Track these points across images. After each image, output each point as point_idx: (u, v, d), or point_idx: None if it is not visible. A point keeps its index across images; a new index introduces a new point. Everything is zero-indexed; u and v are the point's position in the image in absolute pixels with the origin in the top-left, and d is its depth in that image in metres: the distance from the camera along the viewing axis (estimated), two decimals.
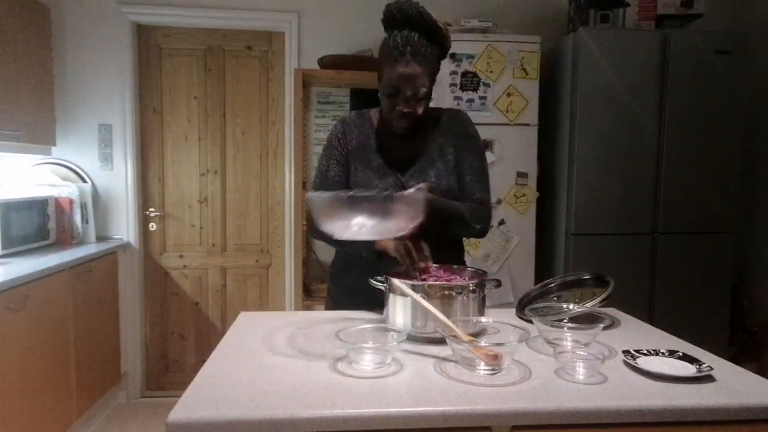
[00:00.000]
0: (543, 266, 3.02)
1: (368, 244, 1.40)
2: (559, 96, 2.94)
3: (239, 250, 3.39)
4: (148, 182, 3.29)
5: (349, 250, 1.55)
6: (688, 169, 2.82)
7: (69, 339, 2.53)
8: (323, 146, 1.63)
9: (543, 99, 2.88)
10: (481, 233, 1.53)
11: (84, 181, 3.11)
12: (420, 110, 1.45)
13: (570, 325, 1.19)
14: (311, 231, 1.55)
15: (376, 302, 1.39)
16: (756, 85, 3.17)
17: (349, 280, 1.59)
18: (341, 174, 1.55)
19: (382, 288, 1.31)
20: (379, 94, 1.48)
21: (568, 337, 1.16)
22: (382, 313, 1.34)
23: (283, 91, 3.30)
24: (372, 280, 1.33)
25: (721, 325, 2.91)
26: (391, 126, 1.49)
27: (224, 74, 3.29)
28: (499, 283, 1.34)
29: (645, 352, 1.14)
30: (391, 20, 1.45)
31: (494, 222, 2.84)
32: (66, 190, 2.94)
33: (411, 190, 1.25)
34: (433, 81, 1.45)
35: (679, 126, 2.80)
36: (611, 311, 1.55)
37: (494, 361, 1.04)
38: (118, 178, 3.17)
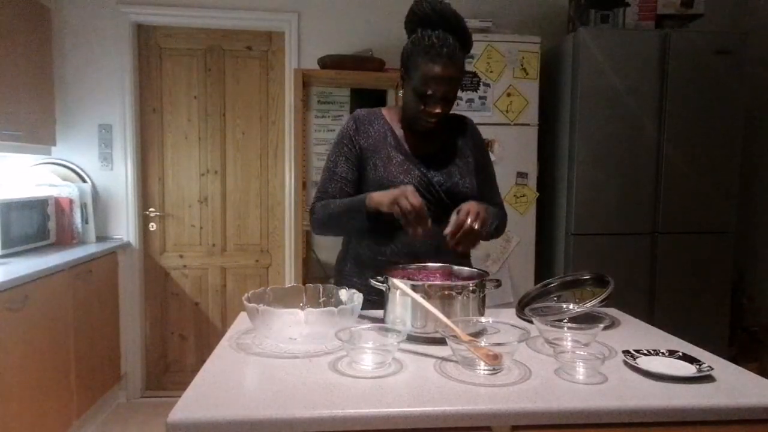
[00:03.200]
0: (543, 266, 3.02)
1: (359, 213, 1.42)
2: (559, 96, 2.94)
3: (239, 250, 3.39)
4: (148, 182, 3.29)
5: (345, 224, 1.53)
6: (688, 169, 2.82)
7: (69, 339, 2.53)
8: (333, 142, 1.61)
9: (543, 99, 2.88)
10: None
11: (84, 181, 3.11)
12: (449, 111, 1.49)
13: (570, 325, 1.18)
14: (315, 227, 1.57)
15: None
16: (756, 85, 3.17)
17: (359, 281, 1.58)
18: (349, 171, 1.55)
19: (382, 288, 1.31)
20: (405, 93, 1.50)
21: (568, 337, 1.16)
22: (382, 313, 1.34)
23: (283, 91, 3.30)
24: (372, 280, 1.33)
25: (721, 325, 2.91)
26: (417, 124, 1.50)
27: (224, 74, 3.29)
28: (499, 283, 1.34)
29: (645, 352, 1.14)
30: (424, 19, 1.44)
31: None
32: (66, 190, 2.94)
33: (474, 205, 1.37)
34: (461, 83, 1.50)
35: (679, 126, 2.80)
36: (611, 311, 1.55)
37: (494, 361, 1.04)
38: (118, 178, 3.17)
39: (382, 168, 1.52)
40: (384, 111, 1.62)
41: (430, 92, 1.42)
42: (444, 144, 1.60)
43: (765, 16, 3.21)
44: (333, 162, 1.56)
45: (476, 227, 1.33)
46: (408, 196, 1.32)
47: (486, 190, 1.66)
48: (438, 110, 1.45)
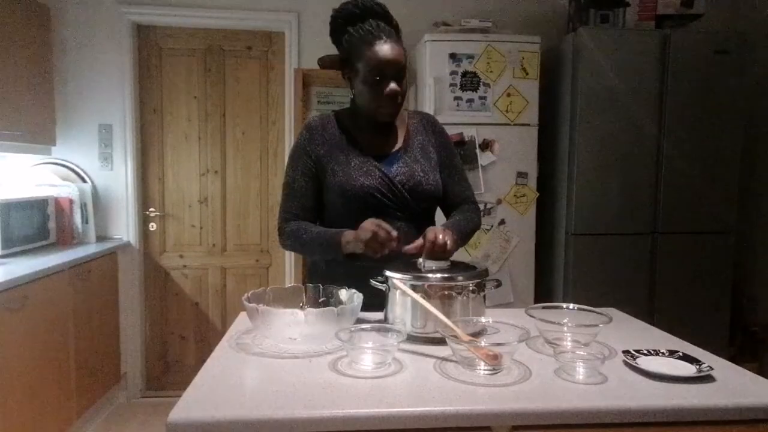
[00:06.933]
0: (543, 266, 3.02)
1: (333, 251, 1.42)
2: (559, 96, 2.94)
3: (239, 250, 3.39)
4: (148, 182, 3.29)
5: (318, 257, 1.55)
6: (688, 169, 2.82)
7: (69, 339, 2.53)
8: (289, 155, 1.58)
9: (543, 99, 2.87)
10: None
11: (84, 181, 3.11)
12: (404, 94, 1.48)
13: (570, 325, 1.19)
14: (285, 248, 1.59)
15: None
16: (756, 85, 3.17)
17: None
18: (306, 185, 1.53)
19: (383, 288, 1.31)
20: (356, 90, 1.50)
21: (568, 337, 1.16)
22: (381, 313, 1.34)
23: (283, 91, 3.30)
24: (372, 281, 1.33)
25: (721, 325, 2.91)
26: (379, 114, 1.49)
27: (224, 74, 3.29)
28: (499, 283, 1.34)
29: (645, 352, 1.14)
30: (350, 17, 1.51)
31: (494, 222, 2.84)
32: (66, 190, 2.94)
33: (439, 228, 1.34)
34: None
35: (679, 126, 2.80)
36: (611, 311, 1.55)
37: (494, 361, 1.04)
38: (118, 178, 3.17)
39: (341, 172, 1.49)
40: (338, 114, 1.60)
41: (382, 76, 1.43)
42: (405, 142, 1.57)
43: (765, 16, 3.21)
44: (291, 177, 1.54)
45: (446, 241, 1.31)
46: (367, 230, 1.31)
47: (453, 185, 1.62)
48: (393, 88, 1.43)
